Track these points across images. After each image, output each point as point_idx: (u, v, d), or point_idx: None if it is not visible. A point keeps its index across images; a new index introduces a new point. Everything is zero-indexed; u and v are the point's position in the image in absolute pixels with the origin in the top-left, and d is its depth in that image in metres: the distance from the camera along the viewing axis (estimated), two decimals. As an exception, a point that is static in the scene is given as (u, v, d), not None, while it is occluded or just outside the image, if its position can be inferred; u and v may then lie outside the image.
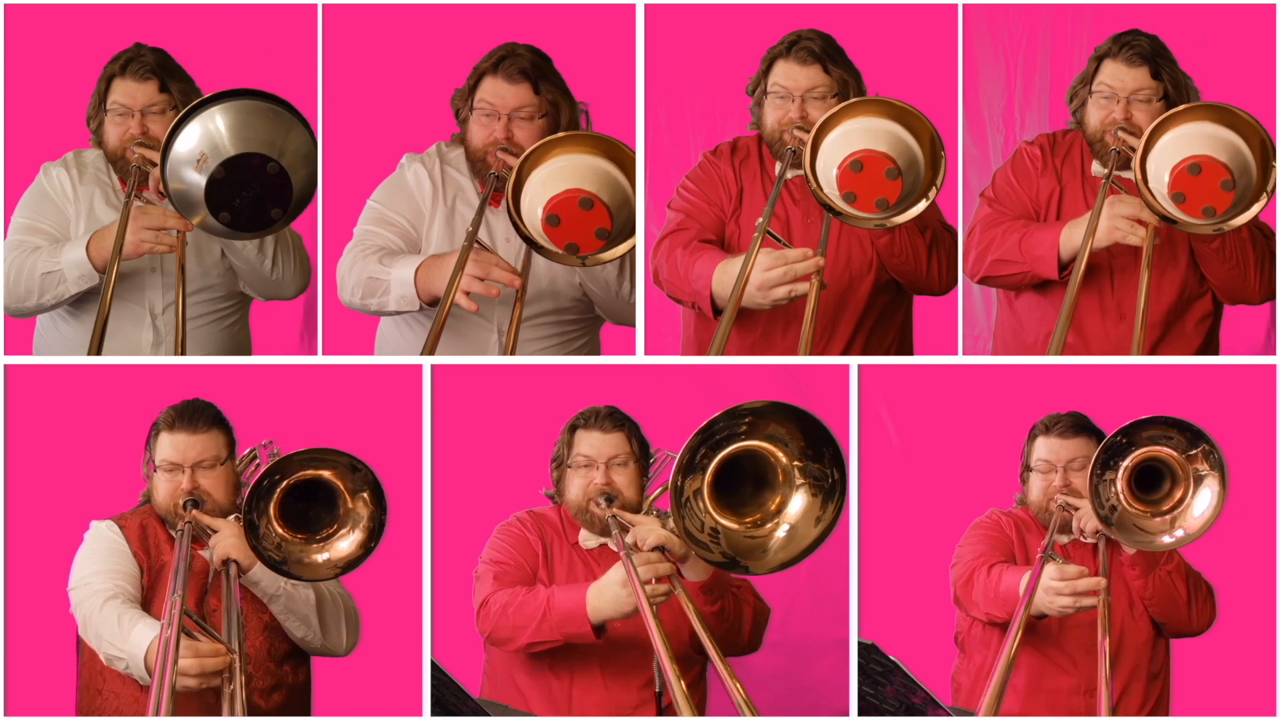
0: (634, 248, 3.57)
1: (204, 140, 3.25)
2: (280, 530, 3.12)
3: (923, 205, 3.24)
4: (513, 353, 3.42)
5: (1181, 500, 3.24)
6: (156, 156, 3.41)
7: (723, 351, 3.18)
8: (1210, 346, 3.60)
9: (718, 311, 3.41)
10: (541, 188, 3.18)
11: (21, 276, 3.53)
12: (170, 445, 3.28)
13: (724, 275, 3.39)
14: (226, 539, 3.19)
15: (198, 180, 3.25)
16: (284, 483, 3.11)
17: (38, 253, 3.53)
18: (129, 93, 3.56)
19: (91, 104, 3.62)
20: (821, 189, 3.24)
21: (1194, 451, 3.23)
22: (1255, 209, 3.23)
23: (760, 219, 3.32)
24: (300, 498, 3.14)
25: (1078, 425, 3.49)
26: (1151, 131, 3.25)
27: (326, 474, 3.13)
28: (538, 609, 3.20)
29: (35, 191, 3.65)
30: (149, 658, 3.03)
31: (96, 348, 3.27)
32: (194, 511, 3.23)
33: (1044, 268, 3.48)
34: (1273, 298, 3.53)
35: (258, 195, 3.27)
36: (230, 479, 3.32)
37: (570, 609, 3.17)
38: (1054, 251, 3.46)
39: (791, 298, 3.28)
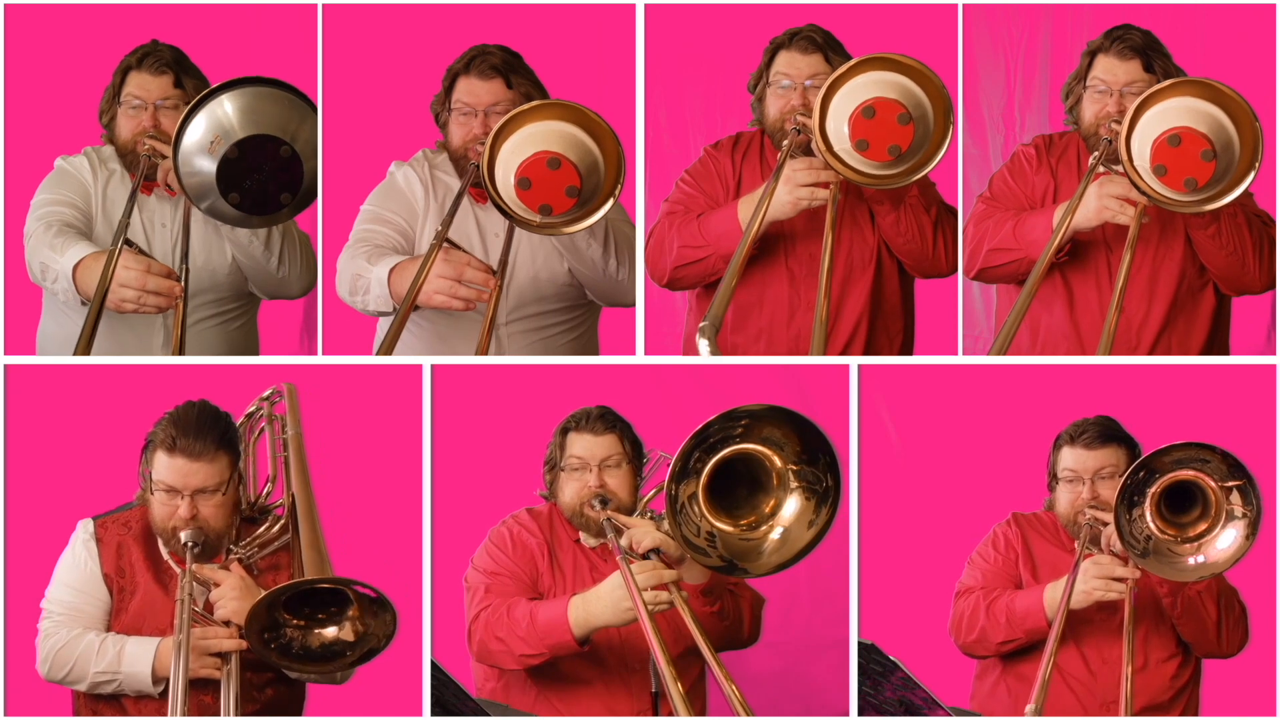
0: (624, 222, 3.61)
1: (214, 127, 3.24)
2: (289, 620, 2.99)
3: (939, 158, 3.28)
4: (488, 347, 3.42)
5: (1208, 530, 3.23)
6: (166, 149, 3.40)
7: (748, 250, 3.28)
8: (1217, 342, 3.59)
9: None
10: (511, 157, 3.24)
11: (36, 255, 3.51)
12: (169, 469, 3.10)
13: (748, 203, 3.44)
14: (230, 603, 3.06)
15: (210, 166, 3.23)
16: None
17: (65, 233, 3.50)
18: (144, 85, 3.56)
19: (105, 97, 3.62)
20: (832, 147, 3.26)
21: (1230, 483, 3.21)
22: (1243, 185, 3.22)
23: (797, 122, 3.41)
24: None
25: (1105, 434, 3.44)
26: (1135, 109, 3.25)
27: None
28: (520, 621, 3.22)
29: (55, 175, 3.64)
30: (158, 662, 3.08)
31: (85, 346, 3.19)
32: (194, 566, 3.08)
33: (1039, 251, 3.45)
34: (1274, 286, 3.52)
35: (268, 178, 3.26)
36: (232, 506, 3.16)
37: (553, 618, 3.18)
38: (1048, 234, 3.43)
39: (813, 202, 3.39)
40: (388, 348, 3.20)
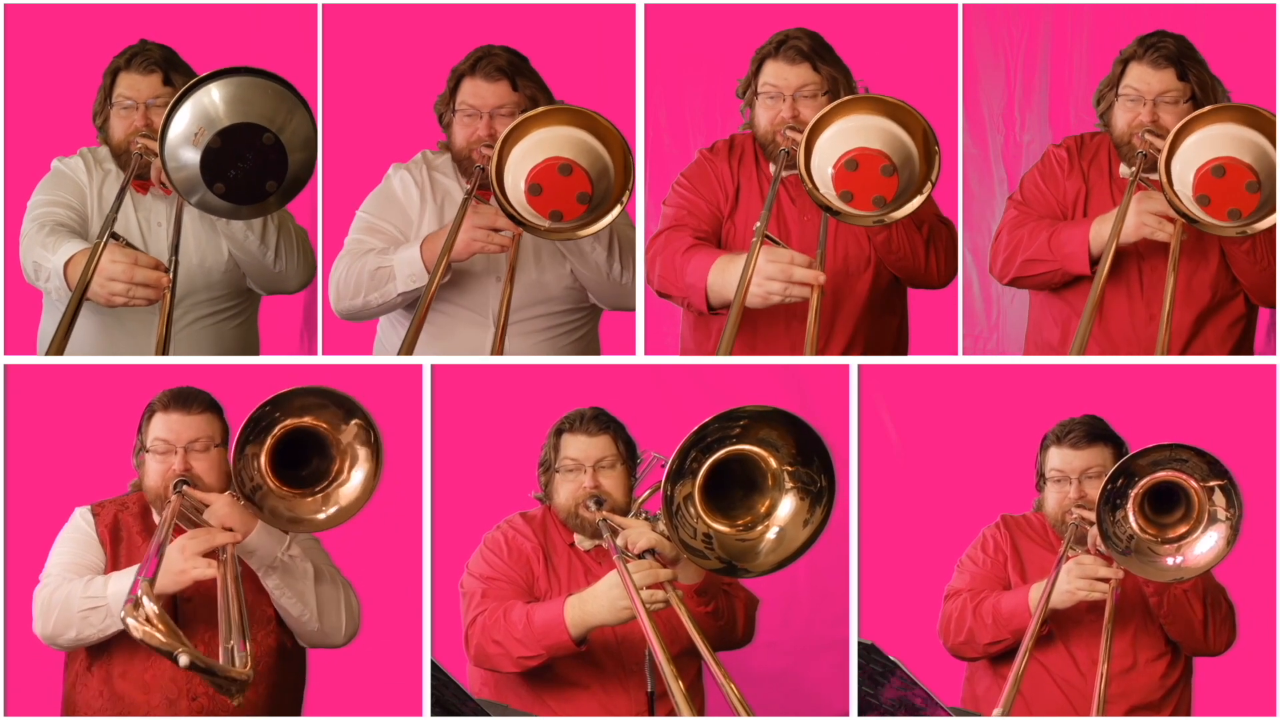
0: (627, 226, 3.61)
1: (200, 117, 3.23)
2: (280, 490, 3.13)
3: (917, 201, 3.24)
4: (502, 349, 3.42)
5: (1190, 532, 3.23)
6: (157, 146, 3.41)
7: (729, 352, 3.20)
8: (1243, 349, 3.58)
9: (711, 309, 3.42)
10: (522, 162, 3.23)
11: (30, 255, 3.52)
12: (164, 425, 3.24)
13: (720, 274, 3.39)
14: (221, 509, 3.16)
15: (195, 158, 3.23)
16: (268, 444, 3.12)
17: (57, 232, 3.52)
18: (133, 85, 3.57)
19: (98, 99, 3.62)
20: (818, 189, 3.24)
21: (1211, 483, 3.20)
22: None
23: (758, 224, 3.33)
24: (290, 458, 3.15)
25: (1091, 434, 3.44)
26: (1176, 133, 3.21)
27: (308, 421, 3.13)
28: (517, 623, 3.21)
29: (51, 176, 3.65)
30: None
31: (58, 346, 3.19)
32: (185, 488, 3.19)
33: (1075, 264, 3.47)
34: None
35: (252, 167, 3.25)
36: (222, 465, 3.25)
37: (550, 619, 3.18)
38: (1084, 247, 3.45)
39: (786, 299, 3.29)
40: (408, 348, 3.20)
